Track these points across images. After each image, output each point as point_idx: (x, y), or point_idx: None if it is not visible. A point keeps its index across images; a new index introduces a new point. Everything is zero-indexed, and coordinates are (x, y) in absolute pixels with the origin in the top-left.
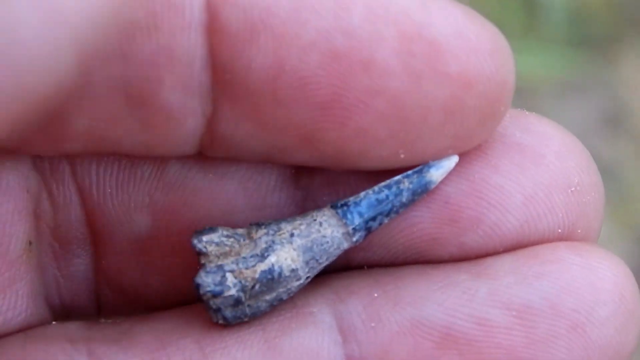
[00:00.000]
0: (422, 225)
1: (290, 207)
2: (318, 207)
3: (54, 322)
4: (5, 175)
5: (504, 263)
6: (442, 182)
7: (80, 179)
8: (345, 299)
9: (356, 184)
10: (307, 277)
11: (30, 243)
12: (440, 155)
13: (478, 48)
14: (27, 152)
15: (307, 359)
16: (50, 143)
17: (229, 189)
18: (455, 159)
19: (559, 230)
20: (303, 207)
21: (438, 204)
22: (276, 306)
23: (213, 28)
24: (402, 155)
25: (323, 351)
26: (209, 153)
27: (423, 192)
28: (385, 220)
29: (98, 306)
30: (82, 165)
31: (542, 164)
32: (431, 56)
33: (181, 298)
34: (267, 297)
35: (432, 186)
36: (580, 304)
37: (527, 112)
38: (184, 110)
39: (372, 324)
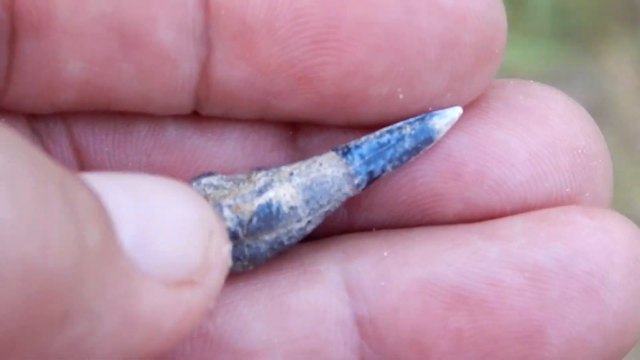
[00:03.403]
0: (424, 179)
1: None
2: None
3: None
4: None
5: (516, 224)
6: (443, 135)
7: (77, 140)
8: (353, 258)
9: None
10: (309, 222)
11: None
12: (440, 98)
13: None
14: (21, 109)
15: (314, 317)
16: (44, 93)
17: (226, 148)
18: (459, 110)
19: (567, 190)
20: None
21: (439, 157)
22: (281, 260)
23: None
24: (400, 96)
25: (331, 309)
26: (204, 109)
27: (427, 141)
28: (389, 168)
29: None
30: (77, 125)
31: (546, 124)
32: None
33: None
34: (267, 237)
35: (437, 136)
36: (594, 267)
37: (530, 81)
38: (179, 52)
39: (382, 283)
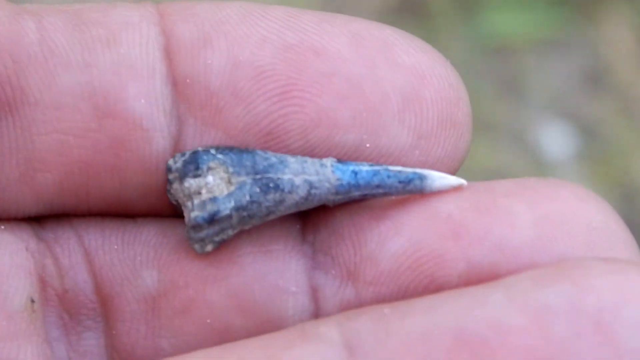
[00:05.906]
0: (425, 242)
1: (298, 255)
2: (328, 257)
3: None
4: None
5: (521, 273)
6: (443, 201)
7: (86, 243)
8: (354, 318)
9: (360, 236)
10: (297, 181)
11: (32, 301)
12: (408, 155)
13: (429, 51)
14: (6, 205)
15: None
16: (23, 177)
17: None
18: (462, 181)
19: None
20: (314, 259)
21: (440, 220)
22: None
23: (169, 45)
24: (367, 145)
25: None
26: None
27: (415, 188)
28: (373, 179)
29: None
30: (87, 231)
31: (557, 199)
32: (383, 48)
33: None
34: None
35: (427, 188)
36: (605, 304)
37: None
38: (151, 123)
39: (381, 336)
